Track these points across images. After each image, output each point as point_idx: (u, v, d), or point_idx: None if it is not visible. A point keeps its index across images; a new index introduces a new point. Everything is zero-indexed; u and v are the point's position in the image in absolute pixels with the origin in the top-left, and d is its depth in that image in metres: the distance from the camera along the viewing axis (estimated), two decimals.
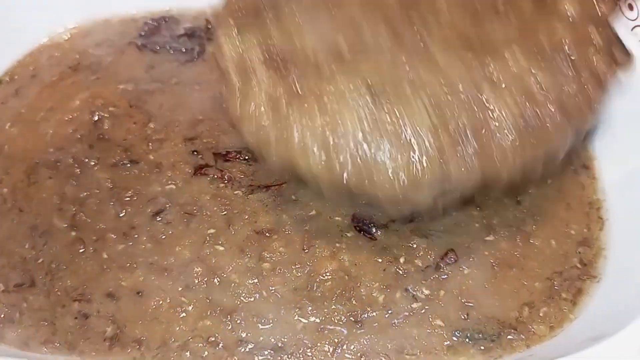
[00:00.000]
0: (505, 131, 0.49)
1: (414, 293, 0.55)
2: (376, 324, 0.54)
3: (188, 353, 0.53)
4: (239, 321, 0.54)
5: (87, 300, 0.56)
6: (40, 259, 0.58)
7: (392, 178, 0.49)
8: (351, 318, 0.54)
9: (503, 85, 0.50)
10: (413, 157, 0.49)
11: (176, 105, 0.69)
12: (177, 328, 0.54)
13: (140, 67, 0.73)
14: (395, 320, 0.54)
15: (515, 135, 0.49)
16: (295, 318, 0.54)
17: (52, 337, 0.54)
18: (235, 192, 0.62)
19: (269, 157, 0.53)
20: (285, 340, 0.53)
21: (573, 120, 0.52)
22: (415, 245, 0.58)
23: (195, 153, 0.65)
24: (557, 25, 0.53)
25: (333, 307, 0.55)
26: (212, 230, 0.59)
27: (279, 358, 0.53)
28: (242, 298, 0.55)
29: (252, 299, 0.55)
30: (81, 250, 0.59)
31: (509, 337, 0.53)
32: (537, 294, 0.55)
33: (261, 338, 0.54)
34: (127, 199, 0.62)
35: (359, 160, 0.49)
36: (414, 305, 0.55)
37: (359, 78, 0.51)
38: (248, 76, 0.53)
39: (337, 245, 0.58)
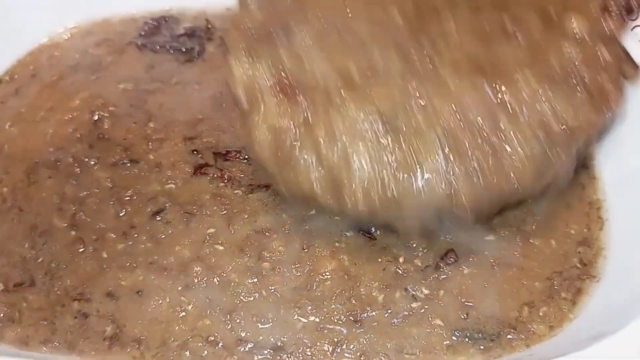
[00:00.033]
0: (519, 159, 0.50)
1: (414, 293, 0.55)
2: (376, 323, 0.54)
3: (188, 352, 0.53)
4: (238, 320, 0.54)
5: (87, 299, 0.56)
6: (40, 258, 0.58)
7: (405, 209, 0.50)
8: (350, 317, 0.54)
9: (516, 111, 0.50)
10: (426, 188, 0.49)
11: (176, 104, 0.69)
12: (177, 327, 0.54)
13: (140, 66, 0.73)
14: (395, 320, 0.54)
15: (528, 163, 0.50)
16: (295, 317, 0.54)
17: (52, 337, 0.54)
18: (235, 191, 0.62)
19: (277, 184, 0.54)
20: (285, 339, 0.53)
21: (581, 141, 0.53)
22: (414, 245, 0.58)
23: (195, 152, 0.65)
24: (566, 45, 0.53)
25: (332, 306, 0.55)
26: (211, 230, 0.59)
27: (279, 357, 0.53)
28: (241, 297, 0.55)
29: (252, 299, 0.55)
30: (81, 250, 0.59)
31: (509, 336, 0.53)
32: (537, 293, 0.55)
33: (261, 337, 0.54)
34: (127, 198, 0.62)
35: (372, 193, 0.50)
36: (414, 305, 0.55)
37: (370, 106, 0.50)
38: (258, 102, 0.53)
39: (337, 244, 0.58)
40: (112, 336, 0.54)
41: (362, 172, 0.50)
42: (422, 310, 0.54)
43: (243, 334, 0.54)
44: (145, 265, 0.57)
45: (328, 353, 0.53)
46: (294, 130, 0.51)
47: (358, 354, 0.53)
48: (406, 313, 0.54)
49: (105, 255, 0.58)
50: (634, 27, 0.60)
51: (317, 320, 0.54)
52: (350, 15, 0.55)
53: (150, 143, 0.66)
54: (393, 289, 0.56)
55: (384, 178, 0.49)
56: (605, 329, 0.48)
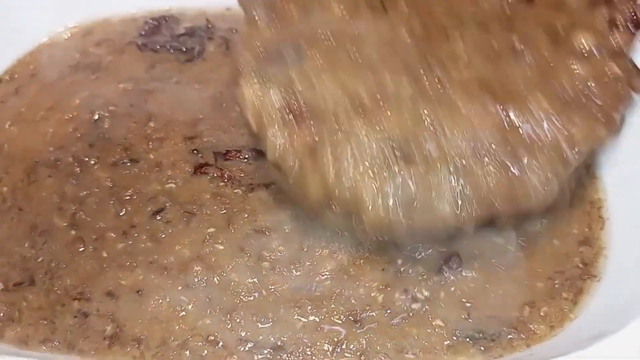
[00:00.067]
0: (531, 185, 0.50)
1: (414, 293, 0.55)
2: (375, 323, 0.54)
3: (188, 352, 0.53)
4: (238, 320, 0.54)
5: (87, 299, 0.56)
6: (40, 257, 0.58)
7: (414, 233, 0.50)
8: (350, 317, 0.54)
9: (528, 135, 0.50)
10: (437, 215, 0.49)
11: (176, 104, 0.69)
12: (177, 327, 0.54)
13: (141, 66, 0.73)
14: (395, 320, 0.54)
15: (540, 187, 0.50)
16: (295, 317, 0.54)
17: (52, 336, 0.54)
18: (235, 190, 0.62)
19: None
20: (285, 339, 0.53)
21: (587, 156, 0.53)
22: (414, 245, 0.58)
23: (195, 152, 0.65)
24: (575, 63, 0.53)
25: (332, 306, 0.55)
26: (211, 229, 0.59)
27: (279, 357, 0.52)
28: (241, 297, 0.55)
29: (252, 298, 0.55)
30: (81, 249, 0.59)
31: (509, 336, 0.53)
32: (539, 293, 0.55)
33: (261, 337, 0.53)
34: (127, 197, 0.62)
35: (381, 218, 0.49)
36: (414, 305, 0.55)
37: (380, 132, 0.50)
38: (267, 124, 0.52)
39: (336, 244, 0.58)
40: (112, 335, 0.54)
41: (372, 200, 0.49)
42: (423, 311, 0.54)
43: (243, 334, 0.54)
44: (145, 264, 0.57)
45: (328, 353, 0.53)
46: (302, 155, 0.51)
47: (358, 353, 0.53)
48: (406, 313, 0.54)
49: (105, 255, 0.58)
50: None
51: (317, 320, 0.54)
52: (358, 34, 0.55)
53: (151, 142, 0.66)
54: (393, 290, 0.55)
55: (394, 205, 0.49)
56: (606, 329, 0.48)
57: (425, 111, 0.50)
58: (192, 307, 0.55)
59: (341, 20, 0.55)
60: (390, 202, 0.49)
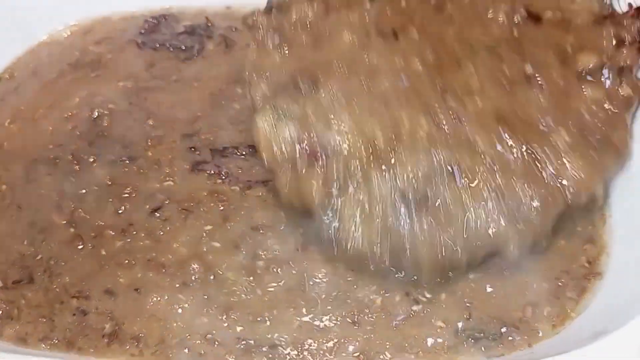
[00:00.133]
0: (540, 221, 0.50)
1: (415, 296, 0.55)
2: (375, 324, 0.53)
3: (187, 350, 0.53)
4: (235, 318, 0.54)
5: (86, 297, 0.56)
6: (38, 255, 0.59)
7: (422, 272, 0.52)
8: (347, 319, 0.54)
9: (543, 167, 0.50)
10: (446, 261, 0.50)
11: (175, 102, 0.69)
12: (175, 325, 0.54)
13: (140, 64, 0.73)
14: (395, 322, 0.53)
15: (551, 222, 0.51)
16: (291, 317, 0.54)
17: (51, 334, 0.54)
18: (233, 187, 0.61)
19: None
20: (282, 338, 0.53)
21: None
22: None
23: (193, 149, 0.64)
24: (586, 87, 0.53)
25: (328, 307, 0.54)
26: (209, 227, 0.59)
27: (277, 355, 0.52)
28: (237, 295, 0.55)
29: (248, 297, 0.55)
30: (79, 247, 0.59)
31: (511, 336, 0.53)
32: (543, 293, 0.55)
33: (258, 336, 0.53)
34: (126, 195, 0.62)
35: (393, 256, 0.50)
36: (415, 307, 0.54)
37: (393, 179, 0.49)
38: (280, 160, 0.52)
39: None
40: (111, 333, 0.54)
41: (382, 241, 0.50)
42: (423, 313, 0.54)
43: (240, 332, 0.53)
44: (144, 262, 0.57)
45: (327, 352, 0.52)
46: (309, 198, 0.51)
47: (357, 353, 0.52)
48: (406, 315, 0.54)
49: (103, 253, 0.58)
50: None
51: (314, 320, 0.54)
52: (370, 62, 0.54)
53: (149, 140, 0.66)
54: (393, 293, 0.55)
55: (409, 246, 0.50)
56: (607, 326, 0.48)
57: (440, 150, 0.50)
58: (189, 305, 0.55)
59: (352, 48, 0.55)
60: (406, 243, 0.50)
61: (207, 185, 0.62)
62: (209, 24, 0.77)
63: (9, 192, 0.63)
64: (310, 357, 0.52)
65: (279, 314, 0.54)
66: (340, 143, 0.51)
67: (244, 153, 0.64)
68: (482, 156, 0.50)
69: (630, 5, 0.58)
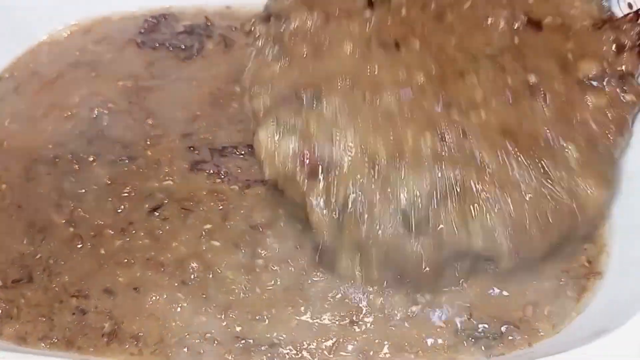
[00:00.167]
0: (548, 237, 0.49)
1: (415, 297, 0.54)
2: (374, 324, 0.53)
3: (186, 349, 0.53)
4: (234, 317, 0.54)
5: (85, 296, 0.56)
6: (38, 254, 0.59)
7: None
8: (346, 318, 0.54)
9: (550, 181, 0.49)
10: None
11: (175, 101, 0.69)
12: (174, 324, 0.54)
13: (140, 64, 0.73)
14: (394, 322, 0.53)
15: (559, 239, 0.50)
16: (290, 316, 0.54)
17: (50, 333, 0.54)
18: (232, 187, 0.61)
19: None
20: (281, 337, 0.53)
21: None
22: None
23: (192, 149, 0.65)
24: (588, 94, 0.52)
25: (327, 306, 0.54)
26: (208, 226, 0.59)
27: (276, 354, 0.52)
28: (236, 294, 0.55)
29: (247, 296, 0.55)
30: (79, 246, 0.59)
31: (511, 335, 0.53)
32: (544, 292, 0.55)
33: (257, 334, 0.53)
34: (125, 194, 0.62)
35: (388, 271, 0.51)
36: (414, 308, 0.54)
37: (396, 202, 0.49)
38: (280, 172, 0.52)
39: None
40: (110, 332, 0.54)
41: (380, 266, 0.50)
42: (423, 313, 0.54)
43: (239, 331, 0.54)
44: (143, 261, 0.57)
45: (325, 352, 0.52)
46: (315, 212, 0.50)
47: (357, 352, 0.52)
48: (405, 315, 0.54)
49: (103, 252, 0.58)
50: None
51: (312, 319, 0.54)
52: (372, 74, 0.53)
53: (149, 140, 0.66)
54: (392, 294, 0.55)
55: (409, 266, 0.50)
56: (607, 325, 0.48)
57: (446, 171, 0.49)
58: (188, 304, 0.55)
59: (354, 59, 0.54)
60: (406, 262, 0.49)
61: (207, 184, 0.62)
62: (209, 24, 0.77)
63: (9, 192, 0.63)
64: (309, 356, 0.52)
65: (278, 313, 0.54)
66: (342, 159, 0.50)
67: (243, 152, 0.64)
68: (488, 171, 0.49)
69: (630, 5, 0.58)
